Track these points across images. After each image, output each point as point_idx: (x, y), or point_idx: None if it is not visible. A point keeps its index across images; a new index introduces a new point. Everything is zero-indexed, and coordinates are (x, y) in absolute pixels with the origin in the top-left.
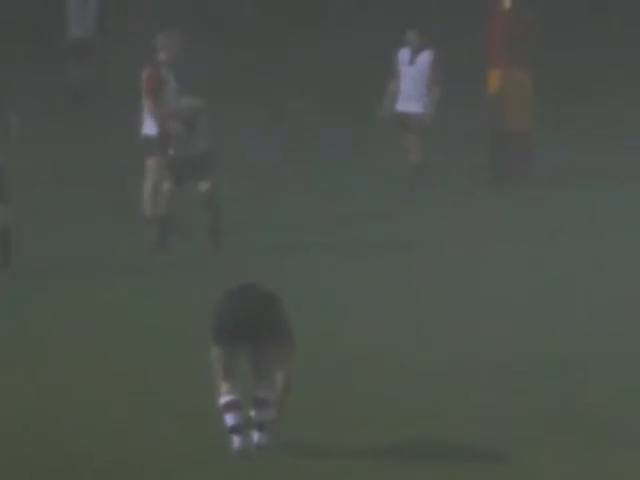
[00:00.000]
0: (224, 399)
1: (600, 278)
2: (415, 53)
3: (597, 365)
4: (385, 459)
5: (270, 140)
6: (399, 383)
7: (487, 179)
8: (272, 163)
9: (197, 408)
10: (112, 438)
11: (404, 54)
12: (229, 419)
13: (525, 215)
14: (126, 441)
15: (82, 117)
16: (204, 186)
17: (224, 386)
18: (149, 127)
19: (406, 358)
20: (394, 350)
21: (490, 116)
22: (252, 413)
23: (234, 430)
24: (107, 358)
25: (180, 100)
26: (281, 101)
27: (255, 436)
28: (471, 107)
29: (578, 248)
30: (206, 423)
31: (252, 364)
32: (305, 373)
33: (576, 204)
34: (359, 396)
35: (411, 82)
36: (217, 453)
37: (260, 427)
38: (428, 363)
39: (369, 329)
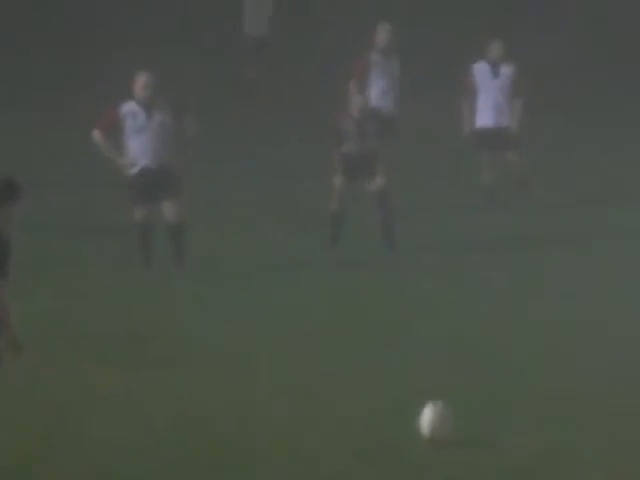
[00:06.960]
0: None
1: None
2: (497, 66)
3: None
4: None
5: None
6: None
7: None
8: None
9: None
10: (285, 432)
11: (483, 67)
12: None
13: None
14: (299, 434)
15: (254, 114)
16: (375, 184)
17: None
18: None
19: None
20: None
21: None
22: None
23: None
24: (281, 355)
25: (355, 97)
26: None
27: None
28: None
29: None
30: (376, 424)
31: None
32: None
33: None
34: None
35: (499, 96)
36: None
37: None
38: None
39: None
